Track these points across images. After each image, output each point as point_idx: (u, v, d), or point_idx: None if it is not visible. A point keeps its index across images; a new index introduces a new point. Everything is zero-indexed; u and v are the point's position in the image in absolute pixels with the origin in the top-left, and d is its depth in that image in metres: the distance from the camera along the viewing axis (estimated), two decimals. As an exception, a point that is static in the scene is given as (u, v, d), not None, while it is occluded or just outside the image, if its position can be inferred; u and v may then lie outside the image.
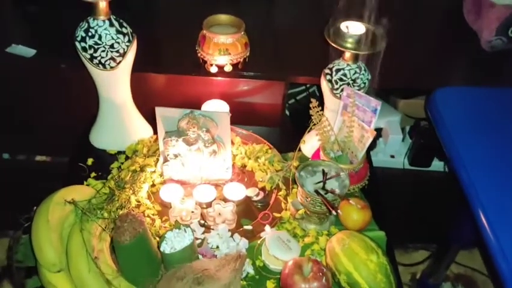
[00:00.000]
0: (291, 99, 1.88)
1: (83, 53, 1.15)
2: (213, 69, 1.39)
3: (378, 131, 1.72)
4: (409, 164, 1.67)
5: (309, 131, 1.20)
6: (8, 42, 1.43)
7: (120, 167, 1.25)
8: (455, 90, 1.37)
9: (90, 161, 1.30)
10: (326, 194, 1.09)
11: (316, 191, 1.10)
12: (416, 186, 1.70)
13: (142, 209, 1.17)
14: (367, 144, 1.18)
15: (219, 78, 1.43)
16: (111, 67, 1.17)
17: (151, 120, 1.35)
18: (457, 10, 1.70)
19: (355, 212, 1.15)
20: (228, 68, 1.39)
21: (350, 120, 1.18)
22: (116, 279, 0.98)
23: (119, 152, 1.31)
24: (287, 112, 1.81)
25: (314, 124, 1.19)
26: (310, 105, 1.18)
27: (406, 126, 1.74)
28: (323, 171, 1.10)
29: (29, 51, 1.42)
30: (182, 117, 1.14)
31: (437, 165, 1.68)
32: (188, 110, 1.13)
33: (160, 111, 1.13)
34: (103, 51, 1.14)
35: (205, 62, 1.39)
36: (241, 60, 1.40)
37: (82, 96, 1.45)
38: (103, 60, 1.15)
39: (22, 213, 1.09)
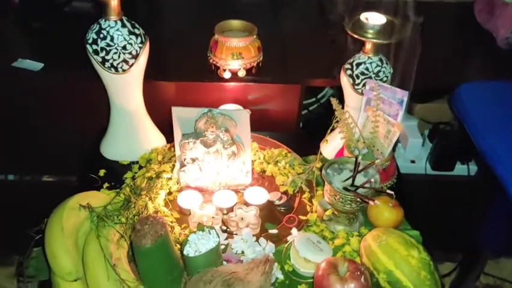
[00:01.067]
0: (304, 110, 1.84)
1: (95, 56, 1.11)
2: (226, 75, 1.35)
3: (396, 137, 1.67)
4: (431, 169, 1.61)
5: (331, 130, 1.15)
6: (15, 57, 1.39)
7: (134, 176, 1.18)
8: (480, 84, 1.32)
9: (102, 172, 1.23)
10: (355, 190, 1.03)
11: (346, 188, 1.03)
12: (439, 191, 1.63)
13: (160, 217, 1.10)
14: (394, 140, 1.12)
15: (233, 83, 1.39)
16: (123, 70, 1.13)
17: (164, 129, 1.30)
18: (467, 11, 1.68)
19: (387, 211, 1.08)
20: (242, 73, 1.35)
21: (374, 115, 1.12)
22: (136, 288, 0.91)
23: (132, 163, 1.25)
24: (301, 124, 1.76)
25: (337, 121, 1.14)
26: (332, 102, 1.13)
27: (424, 131, 1.68)
28: (355, 161, 1.03)
29: (36, 65, 1.38)
30: (199, 117, 1.08)
31: (460, 169, 1.61)
32: (206, 109, 1.08)
33: (176, 112, 1.08)
34: (115, 53, 1.10)
35: (218, 68, 1.35)
36: (255, 64, 1.36)
37: (90, 112, 1.40)
38: (115, 63, 1.11)
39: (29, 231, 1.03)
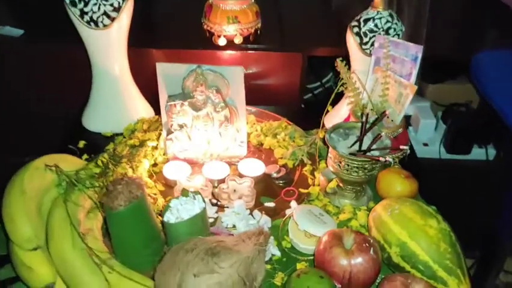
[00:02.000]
0: (308, 93, 1.72)
1: (72, 9, 1.00)
2: (222, 42, 1.23)
3: (407, 119, 1.54)
4: (446, 152, 1.48)
5: (335, 94, 1.02)
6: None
7: (116, 147, 1.06)
8: (500, 53, 1.20)
9: (82, 143, 1.12)
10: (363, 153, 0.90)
11: (352, 153, 0.90)
12: (454, 177, 1.49)
13: (142, 188, 0.97)
14: (406, 104, 0.99)
15: (229, 52, 1.27)
16: (104, 25, 1.01)
17: (153, 102, 1.18)
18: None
19: (399, 182, 0.95)
20: (238, 40, 1.23)
21: (384, 76, 1.00)
22: (108, 261, 0.78)
23: (116, 135, 1.13)
24: (303, 106, 1.64)
25: (342, 85, 1.02)
26: (336, 62, 1.01)
27: (438, 113, 1.55)
28: (362, 124, 0.90)
29: (16, 31, 1.27)
30: (187, 74, 0.96)
31: (478, 152, 1.48)
32: (194, 65, 0.96)
33: (161, 68, 0.96)
34: (95, 4, 0.99)
35: (213, 34, 1.24)
36: (253, 31, 1.25)
37: (74, 81, 1.29)
38: (94, 16, 1.00)
39: None
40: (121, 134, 1.12)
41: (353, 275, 0.76)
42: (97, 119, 1.17)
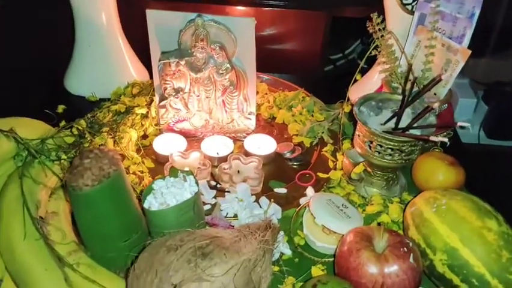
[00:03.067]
0: (329, 65, 1.52)
1: None
2: (231, -5, 1.04)
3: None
4: (486, 137, 1.28)
5: (366, 59, 0.83)
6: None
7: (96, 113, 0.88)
8: None
9: (61, 108, 0.94)
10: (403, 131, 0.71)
11: (388, 131, 0.72)
12: (495, 165, 1.29)
13: (126, 164, 0.80)
14: (455, 73, 0.80)
15: (240, 8, 1.07)
16: (88, -36, 0.83)
17: (148, 64, 0.99)
18: None
19: (442, 170, 0.77)
20: (252, -6, 1.04)
21: (429, 37, 0.80)
22: (73, 254, 0.61)
23: (102, 100, 0.95)
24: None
25: (376, 47, 0.83)
26: (370, 20, 0.82)
27: (478, 92, 1.35)
28: (403, 95, 0.71)
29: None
30: (185, 26, 0.78)
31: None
32: (193, 14, 0.77)
33: (153, 17, 0.77)
34: None
35: (221, -15, 1.05)
36: (269, -16, 1.06)
37: (52, 40, 1.10)
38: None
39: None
40: (109, 99, 0.95)
41: (386, 288, 0.59)
42: (80, 80, 1.00)
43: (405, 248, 0.60)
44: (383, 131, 0.72)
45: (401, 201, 0.77)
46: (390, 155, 0.72)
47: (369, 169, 0.79)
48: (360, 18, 1.25)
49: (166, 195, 0.62)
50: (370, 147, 0.74)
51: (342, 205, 0.71)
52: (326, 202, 0.71)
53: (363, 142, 0.74)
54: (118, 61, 0.98)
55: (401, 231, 0.72)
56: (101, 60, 0.97)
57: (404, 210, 0.72)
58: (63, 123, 0.85)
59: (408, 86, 0.71)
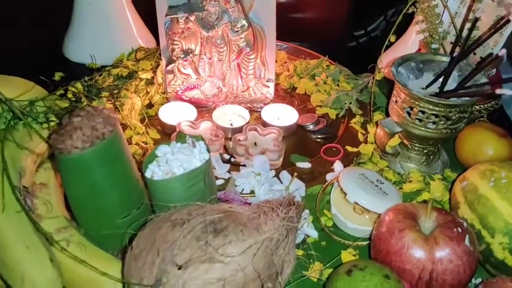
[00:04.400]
0: (352, 41, 1.41)
1: None
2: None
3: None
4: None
5: (400, 19, 0.73)
6: None
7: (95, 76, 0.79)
8: None
9: (58, 75, 0.85)
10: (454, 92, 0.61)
11: (436, 93, 0.61)
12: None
13: (128, 134, 0.70)
14: (507, 31, 0.69)
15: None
16: None
17: (155, 33, 0.89)
18: None
19: (491, 143, 0.66)
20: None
21: (476, -9, 0.70)
22: (63, 231, 0.52)
23: (104, 68, 0.85)
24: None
25: (413, 3, 0.72)
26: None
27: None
28: (452, 55, 0.61)
29: None
30: (196, -25, 0.68)
31: None
32: (206, -38, 0.67)
33: (159, -36, 0.68)
34: None
35: None
36: None
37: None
38: None
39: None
40: (111, 66, 0.85)
41: (436, 276, 0.48)
42: (79, 45, 0.90)
43: (459, 229, 0.50)
44: (430, 95, 0.61)
45: (443, 179, 0.67)
46: (433, 123, 0.62)
47: (406, 141, 0.68)
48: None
49: (171, 163, 0.52)
50: (410, 115, 0.63)
51: (377, 180, 0.61)
52: (359, 177, 0.61)
53: (402, 109, 0.64)
54: (121, 24, 0.89)
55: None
56: (103, 21, 0.87)
57: (450, 189, 0.62)
58: (59, 90, 0.76)
59: (463, 42, 0.60)
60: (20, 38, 0.96)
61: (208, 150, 0.54)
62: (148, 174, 0.52)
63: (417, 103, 0.61)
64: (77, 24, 0.89)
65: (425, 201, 0.61)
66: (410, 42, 0.85)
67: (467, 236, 0.49)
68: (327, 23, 1.07)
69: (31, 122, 0.57)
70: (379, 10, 1.39)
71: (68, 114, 0.51)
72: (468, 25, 0.71)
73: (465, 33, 0.72)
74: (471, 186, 0.55)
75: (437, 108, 0.60)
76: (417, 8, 0.73)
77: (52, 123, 0.58)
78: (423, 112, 0.61)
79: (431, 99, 0.59)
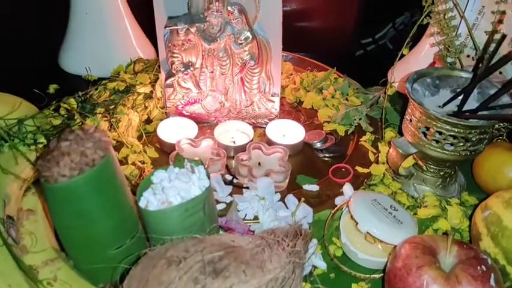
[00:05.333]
0: (359, 49, 1.37)
1: None
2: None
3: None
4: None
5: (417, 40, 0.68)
6: None
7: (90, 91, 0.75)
8: None
9: (53, 88, 0.81)
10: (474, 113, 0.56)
11: (454, 113, 0.57)
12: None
13: (124, 153, 0.66)
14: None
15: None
16: None
17: (155, 41, 0.85)
18: None
19: (512, 165, 0.62)
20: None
21: (496, 0, 0.65)
22: (50, 264, 0.48)
23: (102, 80, 0.81)
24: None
25: (428, 14, 0.68)
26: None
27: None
28: (475, 71, 0.57)
29: None
30: (197, -16, 0.64)
31: None
32: (208, -31, 0.63)
33: (158, -28, 0.63)
34: None
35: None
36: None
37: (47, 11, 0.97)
38: None
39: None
40: (109, 78, 0.81)
41: (459, 320, 0.44)
42: (76, 56, 0.87)
43: (483, 266, 0.45)
44: (447, 114, 0.57)
45: (461, 203, 0.62)
46: (451, 144, 0.57)
47: (421, 163, 0.64)
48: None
49: (168, 191, 0.48)
50: (426, 135, 0.59)
51: (391, 207, 0.56)
52: (371, 203, 0.56)
53: (417, 128, 0.59)
54: (119, 34, 0.85)
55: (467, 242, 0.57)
56: (100, 31, 0.83)
57: (470, 217, 0.57)
58: (53, 105, 0.72)
59: (488, 58, 0.56)
60: (14, 48, 0.92)
61: (208, 176, 0.50)
62: (142, 204, 0.47)
63: (434, 123, 0.57)
64: (73, 34, 0.85)
65: (444, 233, 0.56)
66: (423, 53, 0.80)
67: (492, 275, 0.45)
68: (334, 32, 1.02)
69: (18, 144, 0.53)
70: (387, 17, 1.35)
71: (56, 137, 0.47)
72: (487, 36, 0.67)
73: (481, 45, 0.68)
74: (494, 216, 0.51)
75: (456, 129, 0.56)
76: (431, 18, 0.68)
77: (41, 145, 0.54)
78: (440, 133, 0.57)
79: (450, 120, 0.55)
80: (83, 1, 0.80)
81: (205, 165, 0.51)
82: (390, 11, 1.25)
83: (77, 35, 0.85)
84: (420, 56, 0.80)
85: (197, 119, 0.74)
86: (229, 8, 0.64)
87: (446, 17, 0.67)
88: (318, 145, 0.72)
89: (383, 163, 0.67)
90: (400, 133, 0.71)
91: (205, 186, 0.49)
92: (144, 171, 0.64)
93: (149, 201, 0.48)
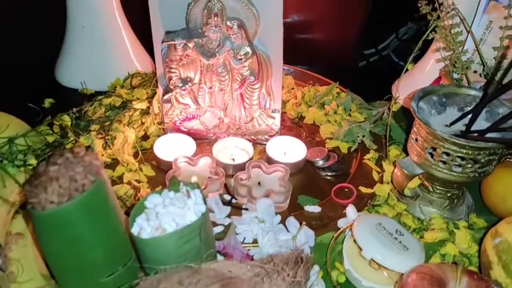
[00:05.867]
0: (362, 60, 1.35)
1: None
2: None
3: None
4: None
5: (420, 46, 0.66)
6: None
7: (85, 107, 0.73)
8: None
9: (48, 102, 0.79)
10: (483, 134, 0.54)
11: (463, 133, 0.55)
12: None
13: (120, 171, 0.64)
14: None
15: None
16: None
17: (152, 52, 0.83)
18: None
19: (523, 186, 0.59)
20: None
21: (504, 15, 0.63)
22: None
23: (99, 93, 0.79)
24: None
25: (434, 29, 0.66)
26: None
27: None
28: (485, 89, 0.54)
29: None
30: (195, -1, 0.62)
31: None
32: (206, -16, 0.61)
33: (155, -14, 0.61)
34: None
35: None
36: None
37: (43, 23, 0.95)
38: None
39: None
40: (106, 92, 0.79)
41: None
42: (72, 69, 0.85)
43: (495, 300, 0.43)
44: (454, 135, 0.54)
45: (469, 226, 0.60)
46: (459, 166, 0.55)
47: (427, 183, 0.61)
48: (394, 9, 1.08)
49: (162, 217, 0.45)
50: (432, 156, 0.56)
51: (397, 231, 0.54)
52: (375, 227, 0.54)
53: (423, 149, 0.57)
54: (117, 47, 0.83)
55: (473, 268, 0.54)
56: (98, 44, 0.81)
57: (479, 242, 0.55)
58: (48, 119, 0.70)
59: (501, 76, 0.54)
60: (10, 61, 0.90)
61: (205, 202, 0.47)
62: (135, 231, 0.45)
63: (441, 144, 0.54)
64: (70, 47, 0.83)
65: (454, 262, 0.54)
66: (428, 68, 0.78)
67: (505, 308, 0.42)
68: (336, 43, 1.00)
69: (6, 165, 0.50)
70: (390, 27, 1.33)
71: (45, 159, 0.45)
72: (495, 54, 0.65)
73: (491, 62, 0.65)
74: (506, 244, 0.48)
75: (464, 151, 0.53)
76: (436, 32, 0.66)
77: (31, 167, 0.51)
78: (447, 154, 0.55)
79: (458, 141, 0.52)
80: (80, 14, 0.78)
81: (201, 188, 0.49)
82: (393, 20, 1.23)
83: (74, 48, 0.83)
84: (425, 70, 0.78)
85: (195, 135, 0.72)
86: (228, 23, 0.62)
87: (452, 31, 0.65)
88: (320, 163, 0.69)
89: (388, 183, 0.65)
90: (405, 151, 0.69)
91: (202, 211, 0.46)
92: (139, 191, 0.62)
93: (143, 227, 0.45)
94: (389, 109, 0.72)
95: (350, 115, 0.76)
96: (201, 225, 0.46)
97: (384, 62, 1.38)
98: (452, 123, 0.58)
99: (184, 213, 0.46)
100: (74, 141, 0.61)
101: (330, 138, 0.74)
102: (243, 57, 0.64)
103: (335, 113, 0.77)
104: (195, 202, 0.47)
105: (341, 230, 0.57)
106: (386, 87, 0.89)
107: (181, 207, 0.46)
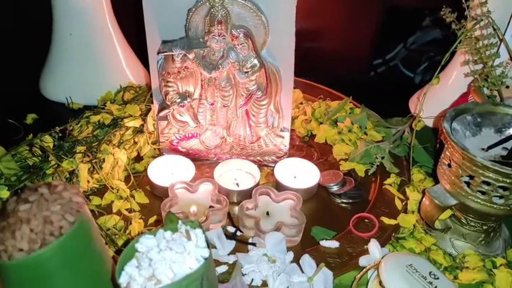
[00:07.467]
0: (370, 71, 1.29)
1: None
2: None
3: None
4: None
5: (443, 66, 0.59)
6: None
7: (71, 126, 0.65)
8: None
9: (31, 117, 0.72)
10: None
11: (503, 158, 0.47)
12: None
13: (108, 199, 0.56)
14: None
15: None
16: None
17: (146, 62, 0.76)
18: None
19: None
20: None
21: (544, 26, 0.56)
22: None
23: (88, 108, 0.72)
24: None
25: (460, 41, 0.59)
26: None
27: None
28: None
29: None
30: (196, 4, 0.54)
31: None
32: (208, -12, 0.53)
33: (150, -10, 0.54)
34: None
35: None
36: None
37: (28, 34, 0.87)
38: None
39: None
40: (95, 107, 0.71)
41: None
42: (59, 82, 0.77)
43: None
44: (494, 161, 0.47)
45: (507, 263, 0.52)
46: (501, 197, 0.48)
47: (459, 214, 0.54)
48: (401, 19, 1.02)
49: (156, 265, 0.37)
50: (469, 185, 0.49)
51: (430, 274, 0.46)
52: (406, 269, 0.46)
53: (457, 176, 0.49)
54: (107, 58, 0.75)
55: (520, 317, 0.47)
56: (87, 54, 0.74)
57: (524, 284, 0.47)
58: (30, 136, 0.62)
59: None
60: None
61: (208, 244, 0.39)
62: (123, 281, 0.37)
63: (480, 172, 0.47)
64: (57, 57, 0.76)
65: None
66: (451, 81, 0.71)
67: None
68: (346, 54, 0.93)
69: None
70: (398, 37, 1.27)
71: (15, 196, 0.37)
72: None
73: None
74: None
75: (508, 180, 0.46)
76: (464, 45, 0.59)
77: (2, 199, 0.44)
78: (488, 183, 0.47)
79: (502, 170, 0.45)
80: (67, 21, 0.71)
81: (202, 220, 0.41)
82: (400, 29, 1.17)
83: (60, 58, 0.75)
84: (448, 84, 0.71)
85: (194, 157, 0.64)
86: (233, 32, 0.54)
87: (483, 43, 0.58)
88: (335, 188, 0.62)
89: (412, 212, 0.57)
90: (430, 175, 0.62)
91: (205, 256, 0.39)
92: (131, 223, 0.54)
93: (133, 277, 0.37)
94: (411, 127, 0.64)
95: (365, 133, 0.69)
96: (203, 274, 0.38)
97: (393, 73, 1.31)
98: (490, 147, 0.51)
99: (183, 259, 0.38)
100: (55, 166, 0.53)
101: (345, 160, 0.66)
102: (249, 70, 0.57)
103: (350, 131, 0.69)
104: (196, 245, 0.39)
105: (365, 270, 0.50)
106: (400, 101, 0.82)
107: (180, 252, 0.38)
